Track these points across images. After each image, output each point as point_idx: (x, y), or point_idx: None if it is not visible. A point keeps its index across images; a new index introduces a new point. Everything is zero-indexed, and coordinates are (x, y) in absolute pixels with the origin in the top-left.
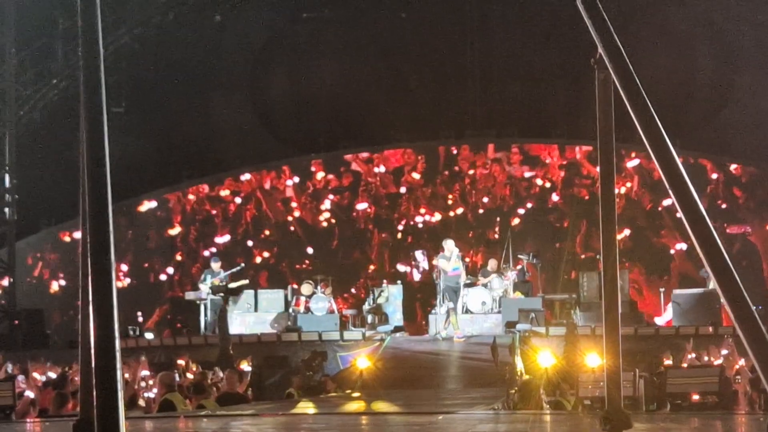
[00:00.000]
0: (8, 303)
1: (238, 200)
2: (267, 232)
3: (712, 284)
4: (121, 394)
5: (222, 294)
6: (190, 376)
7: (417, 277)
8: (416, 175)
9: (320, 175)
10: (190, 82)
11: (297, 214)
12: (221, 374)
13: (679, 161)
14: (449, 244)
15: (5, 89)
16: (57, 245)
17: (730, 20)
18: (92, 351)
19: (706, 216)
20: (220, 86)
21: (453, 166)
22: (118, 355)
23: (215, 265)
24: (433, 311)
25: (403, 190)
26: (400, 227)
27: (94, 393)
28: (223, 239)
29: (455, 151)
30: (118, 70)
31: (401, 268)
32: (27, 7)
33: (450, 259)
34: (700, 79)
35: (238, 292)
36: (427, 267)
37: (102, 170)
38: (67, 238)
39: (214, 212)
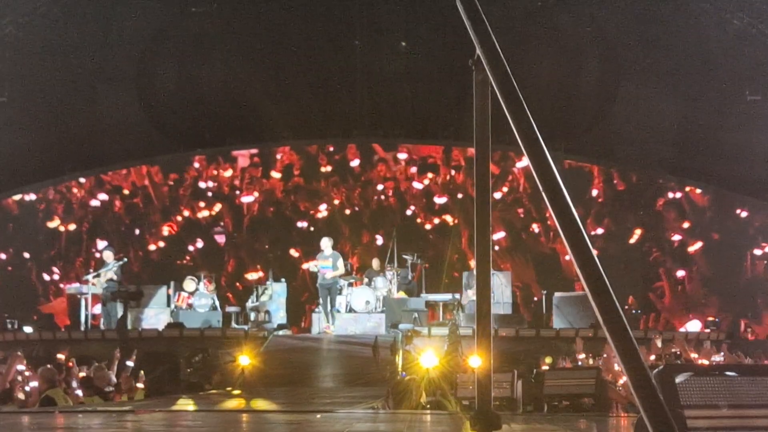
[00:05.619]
0: None
1: (121, 194)
2: (153, 230)
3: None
4: None
5: (122, 299)
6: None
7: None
8: (302, 174)
9: (207, 171)
10: (77, 73)
11: (183, 210)
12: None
13: (552, 163)
14: (324, 242)
15: None
16: None
17: (618, 33)
18: None
19: (578, 219)
20: (107, 79)
21: (340, 166)
22: None
23: (108, 254)
24: (316, 310)
25: (289, 188)
26: (287, 225)
27: None
28: (107, 233)
29: (342, 151)
30: (2, 60)
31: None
32: None
33: (324, 257)
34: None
35: (138, 296)
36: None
37: None
38: None
39: (97, 206)
